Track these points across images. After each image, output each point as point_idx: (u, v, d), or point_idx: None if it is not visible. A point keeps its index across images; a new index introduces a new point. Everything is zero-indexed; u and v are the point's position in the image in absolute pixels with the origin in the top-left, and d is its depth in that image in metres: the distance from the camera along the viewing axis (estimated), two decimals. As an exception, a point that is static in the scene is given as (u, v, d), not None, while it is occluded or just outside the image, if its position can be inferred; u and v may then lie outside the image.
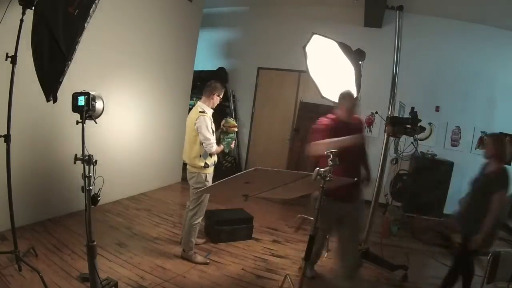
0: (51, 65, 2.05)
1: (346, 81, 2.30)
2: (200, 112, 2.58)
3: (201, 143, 2.57)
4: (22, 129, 2.72)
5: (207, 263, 2.73)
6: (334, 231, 2.33)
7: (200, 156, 2.60)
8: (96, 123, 1.89)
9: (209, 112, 2.66)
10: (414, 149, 3.08)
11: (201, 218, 2.74)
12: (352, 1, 4.88)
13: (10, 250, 2.17)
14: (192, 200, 2.70)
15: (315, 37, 2.23)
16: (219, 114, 6.08)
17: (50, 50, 2.03)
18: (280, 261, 2.97)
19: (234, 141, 2.90)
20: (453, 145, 5.16)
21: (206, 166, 2.62)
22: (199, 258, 2.74)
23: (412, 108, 2.91)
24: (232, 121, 2.92)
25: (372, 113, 5.41)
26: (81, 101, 1.77)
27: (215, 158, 2.72)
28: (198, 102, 2.73)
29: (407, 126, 2.83)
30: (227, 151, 2.85)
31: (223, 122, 2.90)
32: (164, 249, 2.91)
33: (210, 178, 2.71)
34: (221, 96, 2.77)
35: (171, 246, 2.93)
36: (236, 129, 2.92)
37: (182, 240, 2.78)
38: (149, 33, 4.17)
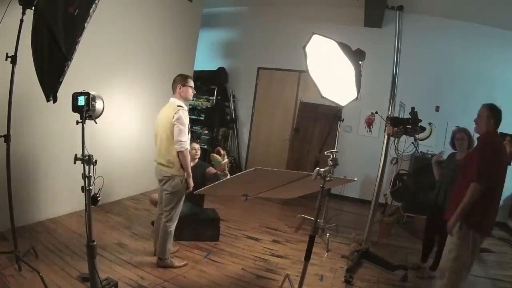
0: (51, 65, 2.05)
1: (346, 81, 2.29)
2: (178, 106, 2.41)
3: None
4: (22, 129, 2.72)
5: (185, 265, 2.62)
6: None
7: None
8: (96, 123, 1.89)
9: (185, 106, 2.50)
10: (414, 149, 3.08)
11: (175, 223, 2.55)
12: (352, 1, 4.88)
13: (10, 250, 2.16)
14: (165, 205, 2.49)
15: (315, 37, 2.22)
16: (219, 113, 6.13)
17: (50, 50, 2.03)
18: (280, 261, 2.97)
19: (226, 163, 2.85)
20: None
21: None
22: (177, 262, 2.61)
23: (412, 108, 2.91)
24: (218, 159, 2.87)
25: (372, 113, 5.42)
26: (81, 101, 1.78)
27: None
28: (171, 99, 2.53)
29: (407, 126, 2.83)
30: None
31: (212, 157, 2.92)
32: (164, 249, 2.91)
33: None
34: (188, 85, 2.53)
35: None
36: (226, 160, 2.88)
37: (158, 248, 2.57)
38: (149, 33, 4.17)
